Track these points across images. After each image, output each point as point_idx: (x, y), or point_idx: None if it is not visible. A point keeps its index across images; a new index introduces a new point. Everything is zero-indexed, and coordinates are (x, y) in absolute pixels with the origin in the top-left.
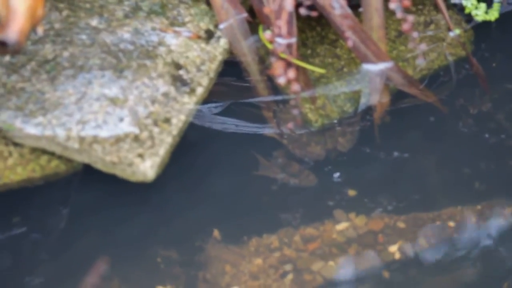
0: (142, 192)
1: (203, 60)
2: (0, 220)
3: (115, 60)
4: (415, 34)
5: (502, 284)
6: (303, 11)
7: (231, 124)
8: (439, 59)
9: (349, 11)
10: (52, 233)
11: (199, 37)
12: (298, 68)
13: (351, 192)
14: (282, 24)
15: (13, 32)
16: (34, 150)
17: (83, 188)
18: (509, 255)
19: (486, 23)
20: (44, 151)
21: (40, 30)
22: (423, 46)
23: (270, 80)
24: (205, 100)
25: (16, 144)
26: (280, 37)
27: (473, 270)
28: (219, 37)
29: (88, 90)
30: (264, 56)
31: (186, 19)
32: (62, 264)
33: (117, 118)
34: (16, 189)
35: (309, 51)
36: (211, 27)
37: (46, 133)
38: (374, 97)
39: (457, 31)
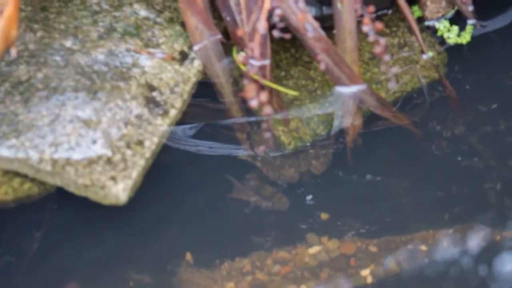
0: (115, 216)
1: (176, 81)
2: None
3: (89, 81)
4: (387, 57)
5: None
6: (276, 33)
7: (205, 146)
8: (413, 81)
9: (322, 33)
10: (25, 256)
11: (173, 59)
12: (271, 90)
13: (324, 216)
14: (255, 46)
15: None
16: (6, 172)
17: (57, 211)
18: (481, 278)
19: (459, 46)
20: (16, 174)
21: (14, 51)
22: (395, 69)
23: (244, 102)
24: (179, 122)
25: None
26: (253, 59)
27: None
28: (193, 59)
29: (61, 112)
30: (238, 78)
31: (161, 41)
32: (33, 286)
33: (90, 140)
34: None
35: (283, 73)
36: (185, 49)
37: (19, 155)
38: (347, 119)
39: (430, 54)
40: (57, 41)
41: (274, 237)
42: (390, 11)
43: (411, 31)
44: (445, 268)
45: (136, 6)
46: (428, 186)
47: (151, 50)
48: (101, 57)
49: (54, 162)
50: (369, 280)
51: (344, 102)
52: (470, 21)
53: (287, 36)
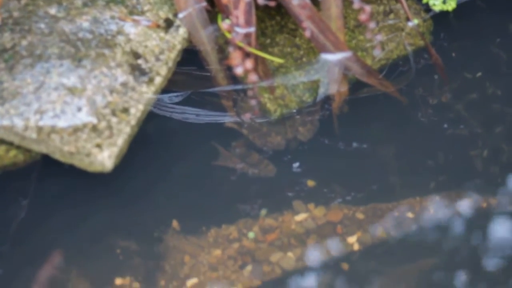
0: (101, 183)
1: (162, 49)
2: None
3: (74, 49)
4: (372, 25)
5: (460, 273)
6: (261, 0)
7: (191, 114)
8: (398, 49)
9: (307, 0)
10: (12, 223)
11: (158, 26)
12: (256, 57)
13: (310, 183)
14: (240, 13)
15: None
16: None
17: (44, 179)
18: (467, 245)
19: (445, 13)
20: (2, 141)
21: None
22: (380, 37)
23: (230, 69)
24: (165, 90)
25: None
26: (238, 26)
27: (431, 261)
28: (178, 26)
29: (46, 79)
30: (223, 45)
31: (145, 8)
32: (20, 254)
33: (75, 108)
34: None
35: (268, 41)
36: (170, 16)
37: (4, 123)
38: (333, 87)
39: (416, 21)
40: (41, 9)
41: (261, 204)
42: None
43: None
44: (432, 235)
45: None
46: (415, 153)
47: (136, 17)
48: (85, 24)
49: (39, 129)
50: (356, 247)
51: (330, 69)
52: None
53: (272, 3)
